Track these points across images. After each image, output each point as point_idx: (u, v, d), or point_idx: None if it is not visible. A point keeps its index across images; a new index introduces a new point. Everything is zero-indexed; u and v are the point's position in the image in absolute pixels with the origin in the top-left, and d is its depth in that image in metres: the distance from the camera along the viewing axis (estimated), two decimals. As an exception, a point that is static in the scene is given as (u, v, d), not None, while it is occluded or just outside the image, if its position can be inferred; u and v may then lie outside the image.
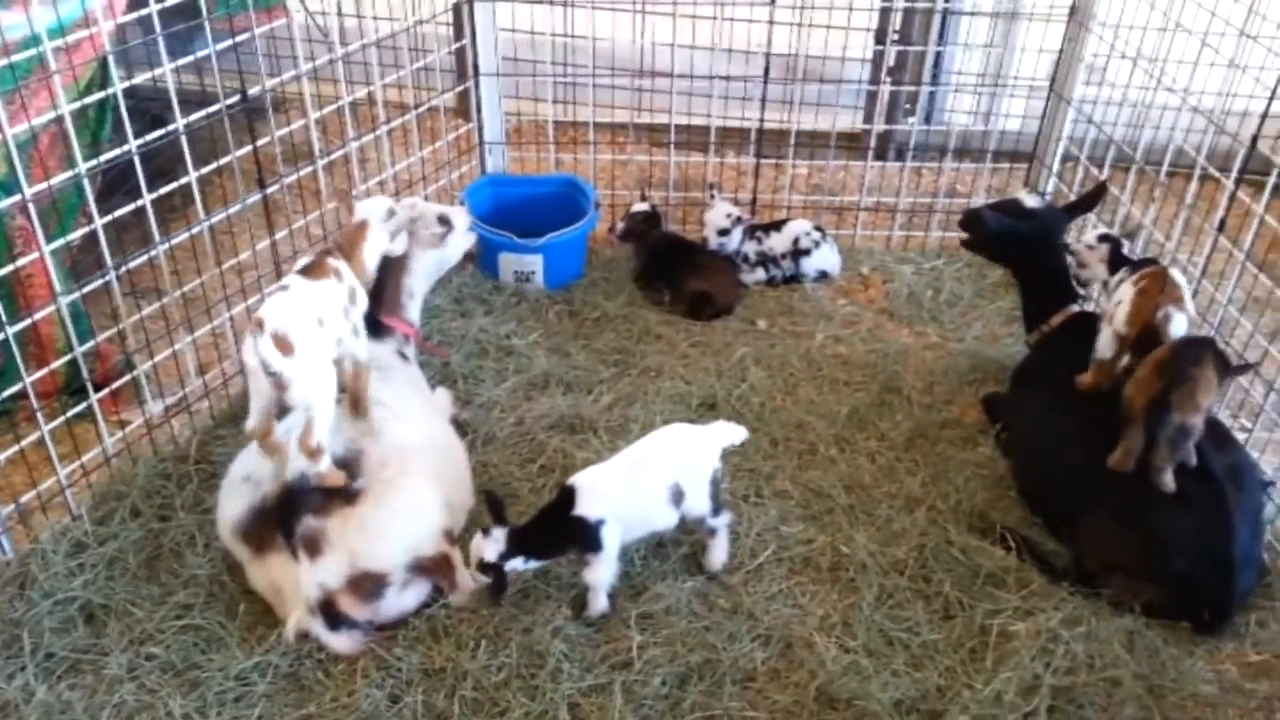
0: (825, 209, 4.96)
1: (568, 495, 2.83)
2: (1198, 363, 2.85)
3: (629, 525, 2.87)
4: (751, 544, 3.13)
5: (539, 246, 4.26)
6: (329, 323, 2.86)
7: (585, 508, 2.81)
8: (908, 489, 3.36)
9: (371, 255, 3.14)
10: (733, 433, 3.01)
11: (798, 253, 4.51)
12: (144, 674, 2.73)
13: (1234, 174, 3.35)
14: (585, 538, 2.80)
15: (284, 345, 2.65)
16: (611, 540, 2.82)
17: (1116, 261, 3.38)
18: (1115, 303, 3.20)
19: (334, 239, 3.19)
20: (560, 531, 2.83)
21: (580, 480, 2.86)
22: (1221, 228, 3.38)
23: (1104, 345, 3.19)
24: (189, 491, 3.24)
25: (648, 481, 2.87)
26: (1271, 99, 3.17)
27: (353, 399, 3.07)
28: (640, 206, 4.48)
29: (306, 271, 2.94)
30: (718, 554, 3.04)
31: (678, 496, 2.89)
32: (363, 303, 3.08)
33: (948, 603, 2.95)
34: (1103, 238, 3.47)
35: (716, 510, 2.98)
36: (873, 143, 5.19)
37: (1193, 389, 2.82)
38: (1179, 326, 3.01)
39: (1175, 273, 3.14)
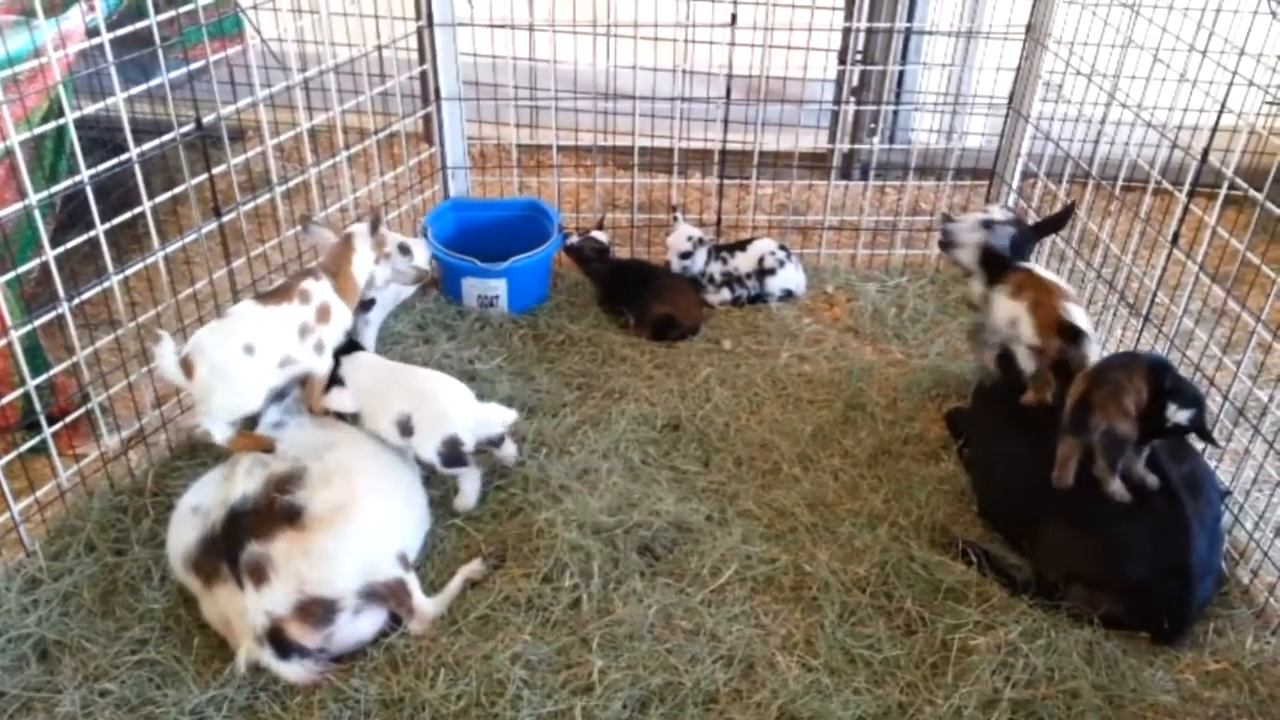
0: (790, 228, 4.98)
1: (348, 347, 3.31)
2: (1125, 369, 2.88)
3: (361, 412, 3.24)
4: (714, 564, 3.11)
5: (502, 271, 4.25)
6: (262, 349, 3.00)
7: (344, 368, 3.24)
8: (870, 506, 3.36)
9: (360, 270, 3.27)
10: (500, 415, 3.28)
11: (763, 272, 4.53)
12: (98, 710, 2.68)
13: (1186, 187, 3.39)
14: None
15: (187, 367, 2.92)
16: (338, 398, 3.22)
17: (990, 261, 3.46)
18: (1007, 320, 3.31)
19: (321, 260, 3.32)
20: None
21: (359, 356, 3.30)
22: (1175, 240, 3.41)
23: (1024, 362, 3.26)
24: (145, 525, 3.19)
25: (387, 399, 3.20)
26: (1220, 112, 3.21)
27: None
28: (599, 235, 4.46)
29: (266, 296, 3.07)
30: (463, 496, 3.28)
31: (405, 428, 3.17)
32: (339, 319, 3.20)
33: (909, 618, 2.94)
34: (986, 224, 3.53)
35: (449, 463, 3.21)
36: (837, 162, 5.23)
37: (1114, 391, 2.84)
38: (1078, 317, 3.15)
39: (1041, 270, 3.20)
